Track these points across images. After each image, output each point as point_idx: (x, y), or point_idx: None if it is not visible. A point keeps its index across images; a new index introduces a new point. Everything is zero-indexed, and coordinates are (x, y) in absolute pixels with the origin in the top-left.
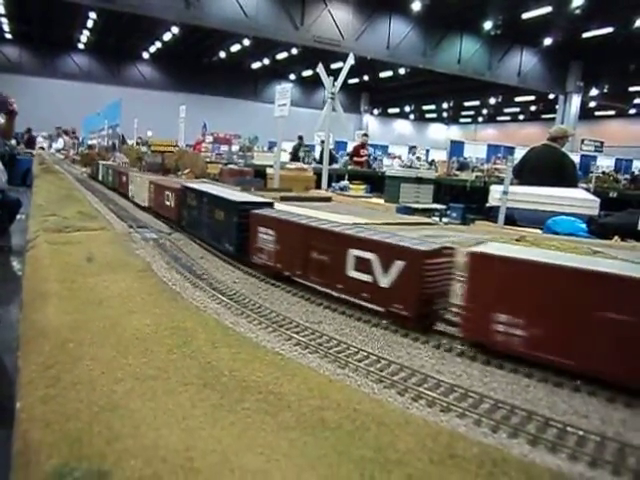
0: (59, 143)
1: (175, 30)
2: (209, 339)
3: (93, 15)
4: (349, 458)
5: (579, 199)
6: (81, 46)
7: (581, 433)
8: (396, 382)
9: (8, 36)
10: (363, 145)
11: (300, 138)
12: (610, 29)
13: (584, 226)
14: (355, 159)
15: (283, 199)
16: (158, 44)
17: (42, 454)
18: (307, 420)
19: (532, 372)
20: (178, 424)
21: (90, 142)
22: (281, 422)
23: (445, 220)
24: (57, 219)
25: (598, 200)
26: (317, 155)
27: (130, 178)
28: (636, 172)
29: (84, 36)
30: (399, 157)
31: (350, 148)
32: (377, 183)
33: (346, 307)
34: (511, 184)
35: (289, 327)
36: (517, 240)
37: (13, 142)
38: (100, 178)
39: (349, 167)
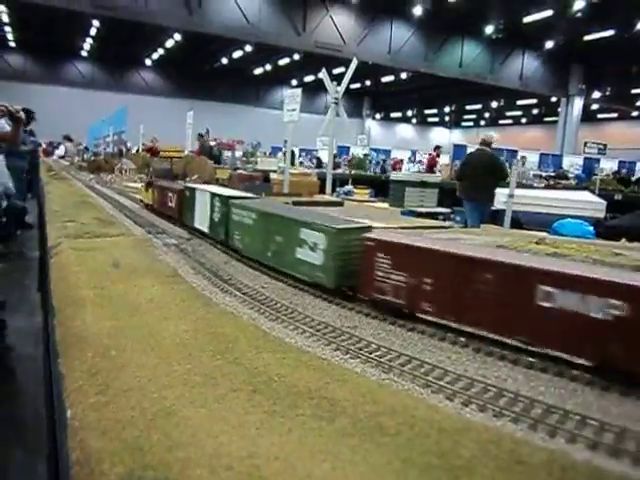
0: (60, 150)
1: (177, 37)
2: (251, 344)
3: (96, 23)
4: (414, 465)
5: (585, 202)
6: (84, 54)
7: None
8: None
9: (12, 44)
10: (438, 155)
11: (201, 135)
12: (612, 32)
13: (591, 229)
14: (434, 169)
15: (296, 204)
16: (160, 51)
17: (105, 463)
18: (365, 427)
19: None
20: (235, 431)
21: (96, 149)
22: (339, 428)
23: (448, 224)
24: (76, 225)
25: (604, 202)
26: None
27: None
28: None
29: (87, 44)
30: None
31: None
32: (380, 187)
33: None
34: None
35: (325, 332)
36: (537, 243)
37: None
38: (236, 242)
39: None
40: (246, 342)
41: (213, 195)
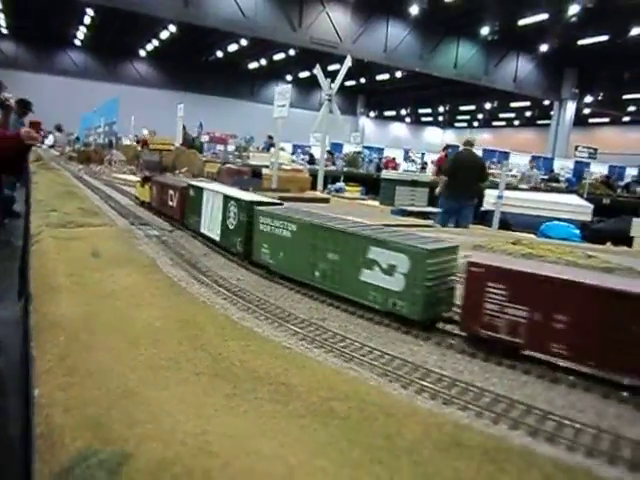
0: (49, 139)
1: (173, 28)
2: (218, 332)
3: (90, 12)
4: (358, 445)
5: (572, 205)
6: (77, 42)
7: None
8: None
9: (4, 31)
10: (446, 155)
11: (183, 127)
12: (605, 37)
13: (577, 231)
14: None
15: (282, 199)
16: (155, 42)
17: (66, 437)
18: (317, 409)
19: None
20: (193, 411)
21: (87, 139)
22: (292, 411)
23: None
24: (59, 214)
25: (591, 206)
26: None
27: None
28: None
29: (81, 32)
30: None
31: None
32: (372, 185)
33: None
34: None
35: (294, 322)
36: (513, 243)
37: None
38: (264, 256)
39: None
40: (214, 330)
41: (227, 198)
